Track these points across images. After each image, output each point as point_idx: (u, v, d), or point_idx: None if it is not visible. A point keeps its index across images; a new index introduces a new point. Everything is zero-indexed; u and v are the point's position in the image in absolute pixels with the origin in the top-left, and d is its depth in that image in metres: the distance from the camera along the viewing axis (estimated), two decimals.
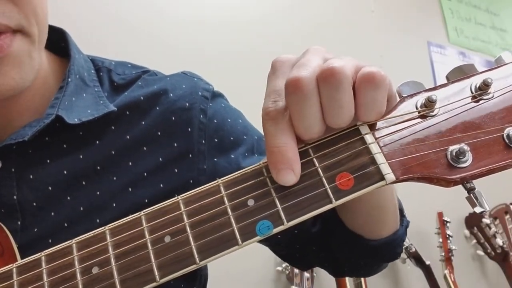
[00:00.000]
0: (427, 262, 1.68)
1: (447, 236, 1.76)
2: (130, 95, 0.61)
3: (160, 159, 0.59)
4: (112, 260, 0.37)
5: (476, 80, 0.38)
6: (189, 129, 0.60)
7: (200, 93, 0.62)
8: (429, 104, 0.37)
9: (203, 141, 0.60)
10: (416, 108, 0.38)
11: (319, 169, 0.37)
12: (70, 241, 0.39)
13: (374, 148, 0.37)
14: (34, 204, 0.53)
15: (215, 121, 0.62)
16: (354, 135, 0.38)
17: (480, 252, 1.94)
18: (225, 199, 0.37)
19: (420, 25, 2.31)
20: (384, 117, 0.38)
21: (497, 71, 0.39)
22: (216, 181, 0.38)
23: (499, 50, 2.55)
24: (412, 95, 0.39)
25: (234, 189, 0.38)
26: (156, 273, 0.36)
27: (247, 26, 1.69)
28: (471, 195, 0.37)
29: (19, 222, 0.52)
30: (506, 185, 1.81)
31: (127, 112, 0.60)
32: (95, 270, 0.37)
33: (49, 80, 0.59)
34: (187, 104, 0.61)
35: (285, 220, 0.36)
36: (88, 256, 0.38)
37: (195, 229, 0.37)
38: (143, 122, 0.59)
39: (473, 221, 1.94)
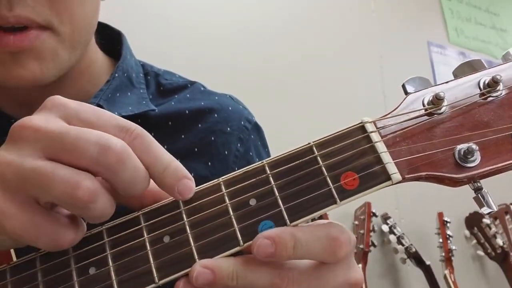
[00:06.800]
0: (427, 262, 1.68)
1: (447, 236, 1.76)
2: (177, 106, 0.61)
3: (193, 174, 0.58)
4: (110, 261, 0.36)
5: (485, 77, 0.37)
6: (226, 152, 0.60)
7: (242, 122, 0.63)
8: (437, 101, 0.36)
9: (236, 168, 0.60)
10: (423, 106, 0.37)
11: (323, 168, 0.36)
12: None
13: (380, 147, 0.36)
14: None
15: (251, 153, 0.62)
16: (359, 133, 0.36)
17: (480, 252, 1.93)
18: (226, 198, 0.36)
19: (420, 25, 2.30)
20: (391, 114, 0.37)
21: (506, 67, 0.38)
22: (217, 179, 0.37)
23: (499, 50, 2.55)
24: (418, 92, 0.38)
25: (235, 188, 0.36)
26: (155, 274, 0.35)
27: (245, 26, 1.68)
28: (479, 195, 0.36)
29: None
30: (506, 185, 1.81)
31: (170, 123, 0.60)
32: (92, 270, 0.36)
33: (98, 77, 0.60)
34: (228, 129, 0.61)
35: (288, 220, 0.35)
36: (85, 256, 0.36)
37: (195, 229, 0.36)
38: (182, 136, 0.59)
39: (473, 221, 1.94)
